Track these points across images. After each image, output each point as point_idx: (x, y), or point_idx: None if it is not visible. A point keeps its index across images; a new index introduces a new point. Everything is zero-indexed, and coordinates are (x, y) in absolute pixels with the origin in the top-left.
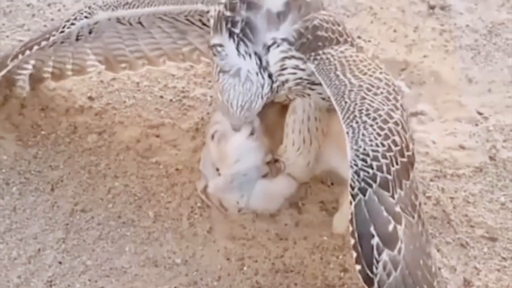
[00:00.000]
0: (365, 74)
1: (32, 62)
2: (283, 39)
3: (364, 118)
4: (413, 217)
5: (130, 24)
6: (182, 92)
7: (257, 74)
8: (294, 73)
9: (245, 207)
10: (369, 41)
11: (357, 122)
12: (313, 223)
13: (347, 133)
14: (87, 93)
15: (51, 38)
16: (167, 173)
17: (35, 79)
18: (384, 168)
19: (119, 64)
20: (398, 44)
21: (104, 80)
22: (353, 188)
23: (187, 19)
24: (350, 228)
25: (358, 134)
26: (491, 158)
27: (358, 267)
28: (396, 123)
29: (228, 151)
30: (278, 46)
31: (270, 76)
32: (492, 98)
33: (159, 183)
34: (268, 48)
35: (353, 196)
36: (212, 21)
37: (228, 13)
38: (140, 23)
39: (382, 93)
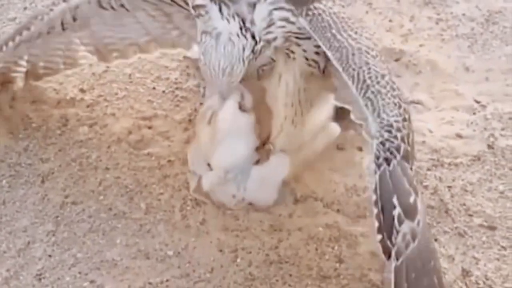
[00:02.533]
0: (356, 33)
1: (26, 57)
2: None
3: (377, 87)
4: (421, 192)
5: (113, 8)
6: (175, 84)
7: (238, 35)
8: (283, 27)
9: (242, 200)
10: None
11: (372, 92)
12: (308, 214)
13: (366, 105)
14: (78, 85)
15: (32, 28)
16: (159, 164)
17: (32, 76)
18: (406, 139)
19: (110, 53)
20: (393, 33)
21: (96, 72)
22: (378, 158)
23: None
24: (374, 197)
25: (378, 105)
26: (489, 146)
27: (379, 236)
28: (398, 89)
29: (218, 123)
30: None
31: (253, 36)
32: (489, 86)
33: (151, 174)
34: (254, 5)
35: (378, 166)
36: None
37: None
38: (122, 6)
39: (376, 55)
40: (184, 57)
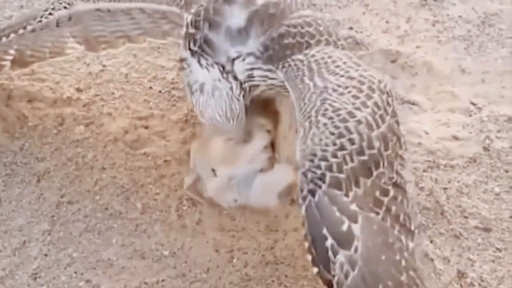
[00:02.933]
0: (336, 74)
1: (15, 47)
2: (249, 53)
3: (320, 117)
4: (377, 213)
5: (109, 11)
6: (172, 84)
7: (220, 80)
8: (264, 80)
9: (242, 203)
10: (361, 32)
11: (310, 122)
12: None
13: (299, 131)
14: (75, 85)
15: (28, 27)
16: (155, 164)
17: (18, 63)
18: (335, 167)
19: (99, 44)
20: (390, 35)
21: (92, 72)
22: (302, 191)
23: (167, 3)
24: (303, 231)
25: (308, 133)
26: (485, 148)
27: (315, 269)
28: (358, 121)
29: (241, 157)
30: (243, 59)
31: (235, 78)
32: (485, 88)
33: (147, 174)
34: (232, 60)
35: (303, 198)
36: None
37: (191, 30)
38: (121, 10)
39: (350, 92)
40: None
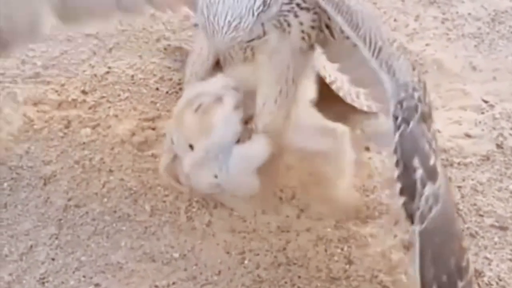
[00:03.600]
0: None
1: None
2: None
3: (390, 49)
4: None
5: None
6: (179, 85)
7: None
8: None
9: (221, 184)
10: None
11: (386, 54)
12: (316, 215)
13: (380, 66)
14: (80, 87)
15: None
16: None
17: None
18: (423, 99)
19: None
20: (399, 33)
21: (97, 74)
22: (396, 118)
23: None
24: (395, 158)
25: (393, 66)
26: (498, 146)
27: (401, 199)
28: (409, 53)
29: (213, 123)
30: None
31: None
32: (497, 86)
33: (156, 176)
34: None
35: (398, 126)
36: None
37: None
38: None
39: (381, 17)
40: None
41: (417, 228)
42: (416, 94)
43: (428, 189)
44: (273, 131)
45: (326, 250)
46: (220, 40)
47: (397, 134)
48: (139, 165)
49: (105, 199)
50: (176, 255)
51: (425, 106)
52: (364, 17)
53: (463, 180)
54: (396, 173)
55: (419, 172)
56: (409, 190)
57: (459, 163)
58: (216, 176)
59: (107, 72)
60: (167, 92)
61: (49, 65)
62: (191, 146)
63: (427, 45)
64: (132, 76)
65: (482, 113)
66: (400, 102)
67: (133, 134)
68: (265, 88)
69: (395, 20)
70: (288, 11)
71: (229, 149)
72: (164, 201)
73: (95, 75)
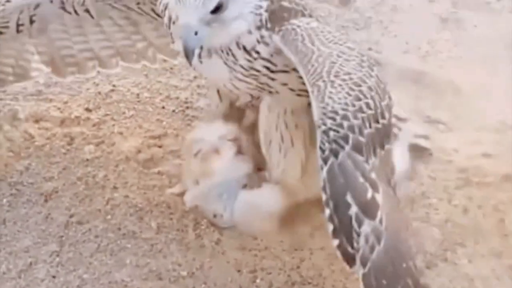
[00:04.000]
0: (335, 43)
1: None
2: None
3: (332, 78)
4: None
5: (76, 13)
6: (185, 103)
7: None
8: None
9: (229, 221)
10: (381, 53)
11: (324, 81)
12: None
13: (312, 92)
14: (84, 105)
15: None
16: (170, 183)
17: None
18: (356, 129)
19: (66, 66)
20: (411, 55)
21: (102, 92)
22: (323, 151)
23: (139, 7)
24: (324, 197)
25: (325, 91)
26: None
27: (335, 242)
28: (369, 88)
29: (212, 170)
30: None
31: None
32: None
33: (161, 193)
34: None
35: (324, 160)
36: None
37: None
38: (87, 11)
39: (354, 59)
40: None
41: (359, 272)
42: (345, 123)
43: (366, 227)
44: (288, 181)
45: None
46: (185, 21)
47: (324, 170)
48: (145, 182)
49: (109, 216)
50: (184, 273)
51: (361, 137)
52: (321, 55)
53: (484, 199)
54: (326, 212)
55: (354, 209)
56: (344, 231)
57: (478, 183)
58: (221, 216)
59: (112, 90)
60: (173, 111)
61: (51, 83)
62: (197, 182)
63: (440, 67)
64: (138, 94)
65: (499, 133)
66: (326, 132)
67: (139, 151)
68: (264, 135)
69: (406, 43)
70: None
71: (235, 191)
72: (171, 219)
73: (99, 93)
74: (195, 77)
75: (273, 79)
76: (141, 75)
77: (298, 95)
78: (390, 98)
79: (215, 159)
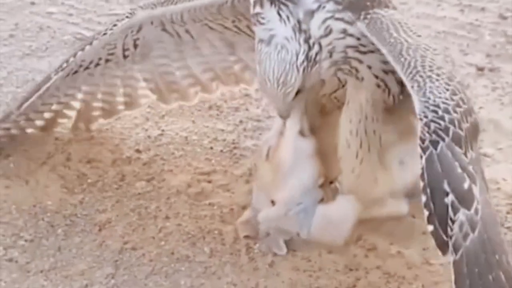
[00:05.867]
0: (418, 36)
1: (80, 96)
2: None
3: (429, 73)
4: (486, 187)
5: (178, 35)
6: (233, 144)
7: (292, 39)
8: (342, 38)
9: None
10: None
11: (421, 76)
12: (385, 254)
13: (412, 87)
14: (134, 147)
15: (94, 42)
16: (221, 212)
17: (83, 118)
18: (456, 123)
19: (171, 93)
20: None
21: (151, 135)
22: (423, 141)
23: (235, 25)
24: (421, 184)
25: (425, 86)
26: None
27: (430, 227)
28: (460, 83)
29: (281, 156)
30: (323, 7)
31: (306, 41)
32: None
33: (213, 221)
34: (312, 13)
35: (424, 150)
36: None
37: None
38: (187, 31)
39: (439, 54)
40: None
41: (451, 258)
42: (447, 116)
43: (462, 215)
44: (359, 191)
45: (399, 287)
46: (274, 97)
47: (423, 158)
48: (196, 213)
49: (162, 242)
50: None
51: (460, 131)
52: (410, 47)
53: None
54: (423, 199)
55: (450, 197)
56: (439, 217)
57: None
58: (298, 234)
59: (161, 134)
60: (221, 151)
61: (103, 129)
62: (272, 202)
63: (480, 108)
64: (186, 137)
65: None
66: (427, 124)
67: (189, 186)
68: (342, 140)
69: None
70: (352, 57)
71: (312, 208)
72: (223, 244)
73: (149, 137)
74: (241, 121)
75: (360, 61)
76: (189, 121)
77: (377, 85)
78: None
79: (282, 142)
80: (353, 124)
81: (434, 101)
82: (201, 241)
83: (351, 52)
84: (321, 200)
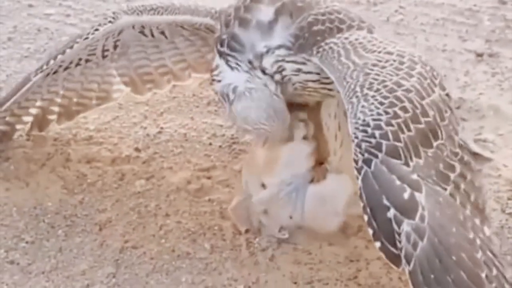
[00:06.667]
0: (373, 52)
1: (62, 92)
2: (280, 46)
3: (366, 91)
4: (444, 188)
5: (153, 35)
6: (232, 139)
7: (252, 78)
8: (297, 74)
9: (298, 222)
10: None
11: (357, 97)
12: None
13: (347, 109)
14: (133, 145)
15: (75, 46)
16: (221, 208)
17: (65, 115)
18: (390, 136)
19: (144, 83)
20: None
21: (150, 133)
22: (357, 162)
23: (207, 28)
24: (361, 204)
25: (357, 107)
26: None
27: (377, 244)
28: (407, 90)
29: (279, 153)
30: (273, 52)
31: (265, 72)
32: None
33: (213, 217)
34: (261, 56)
35: (358, 170)
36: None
37: (222, 31)
38: (163, 33)
39: (391, 64)
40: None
41: (406, 269)
42: (377, 133)
43: (406, 226)
44: (344, 169)
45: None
46: (275, 132)
47: (359, 179)
48: (196, 209)
49: (163, 240)
50: (240, 287)
51: (399, 142)
52: (356, 69)
53: None
54: (365, 218)
55: (392, 211)
56: (384, 233)
57: None
58: (291, 217)
59: (159, 132)
60: (220, 146)
61: (101, 129)
62: (263, 185)
63: (480, 94)
64: (185, 134)
65: None
66: (358, 145)
67: (189, 182)
68: (323, 123)
69: (445, 75)
70: (315, 87)
71: (304, 188)
72: (224, 240)
73: (148, 135)
74: None
75: (329, 90)
76: (187, 118)
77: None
78: (443, 88)
79: (286, 146)
80: (331, 107)
81: (364, 120)
82: (202, 238)
83: (312, 84)
84: (312, 181)
